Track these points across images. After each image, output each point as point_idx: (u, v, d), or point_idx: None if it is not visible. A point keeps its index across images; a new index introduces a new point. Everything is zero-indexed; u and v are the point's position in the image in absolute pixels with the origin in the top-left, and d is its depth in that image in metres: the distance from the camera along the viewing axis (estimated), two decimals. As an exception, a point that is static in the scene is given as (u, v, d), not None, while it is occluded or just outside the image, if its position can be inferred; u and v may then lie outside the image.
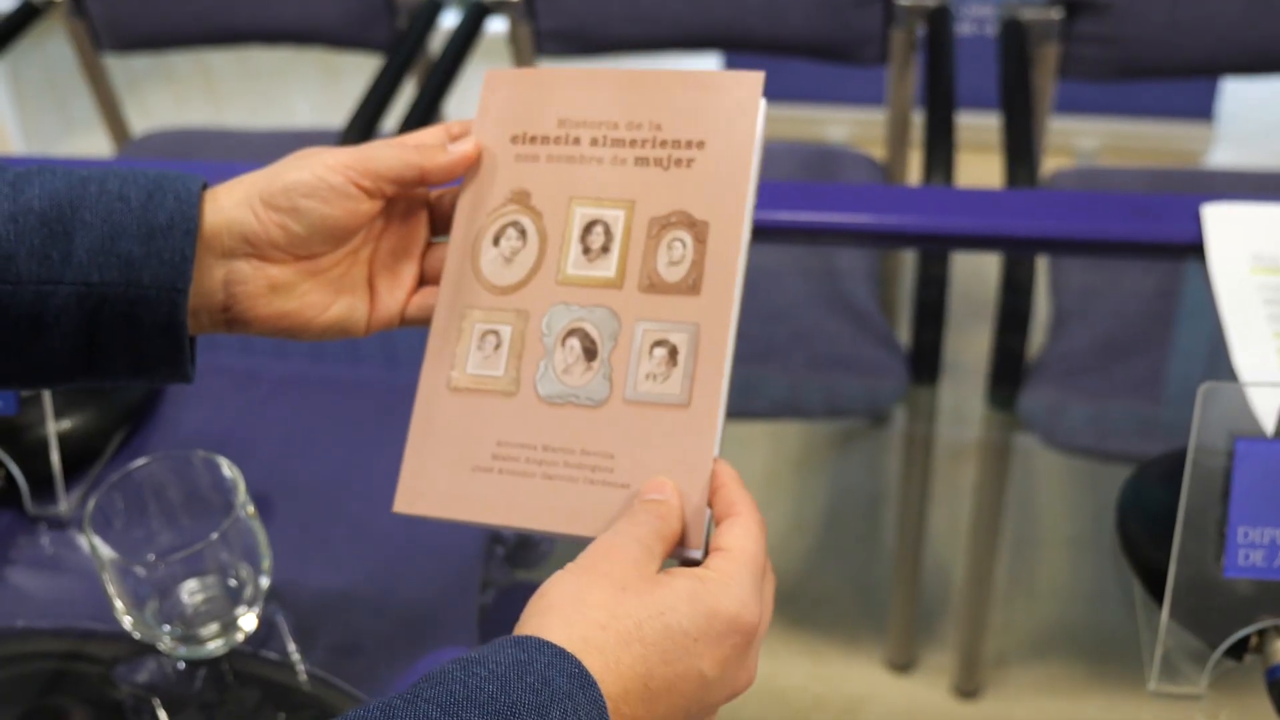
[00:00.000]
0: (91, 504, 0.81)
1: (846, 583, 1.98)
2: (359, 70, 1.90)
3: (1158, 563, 0.78)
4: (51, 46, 2.04)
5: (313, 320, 0.69)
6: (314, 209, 0.66)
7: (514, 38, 1.91)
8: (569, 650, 0.53)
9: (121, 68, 2.23)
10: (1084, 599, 1.85)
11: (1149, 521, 0.88)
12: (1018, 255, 1.33)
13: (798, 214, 1.15)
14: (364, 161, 0.67)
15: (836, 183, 1.85)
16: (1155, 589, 0.82)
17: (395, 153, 0.68)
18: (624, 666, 0.54)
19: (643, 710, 0.54)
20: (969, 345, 1.87)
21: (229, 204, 0.66)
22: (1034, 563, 1.91)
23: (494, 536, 0.99)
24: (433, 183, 0.70)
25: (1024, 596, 1.85)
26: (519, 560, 1.01)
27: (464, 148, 0.69)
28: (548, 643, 0.53)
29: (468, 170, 0.70)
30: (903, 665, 1.80)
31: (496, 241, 0.69)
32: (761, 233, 1.19)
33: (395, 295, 0.72)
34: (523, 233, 0.69)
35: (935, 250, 1.34)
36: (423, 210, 0.73)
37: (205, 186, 0.66)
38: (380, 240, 0.72)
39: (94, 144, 2.23)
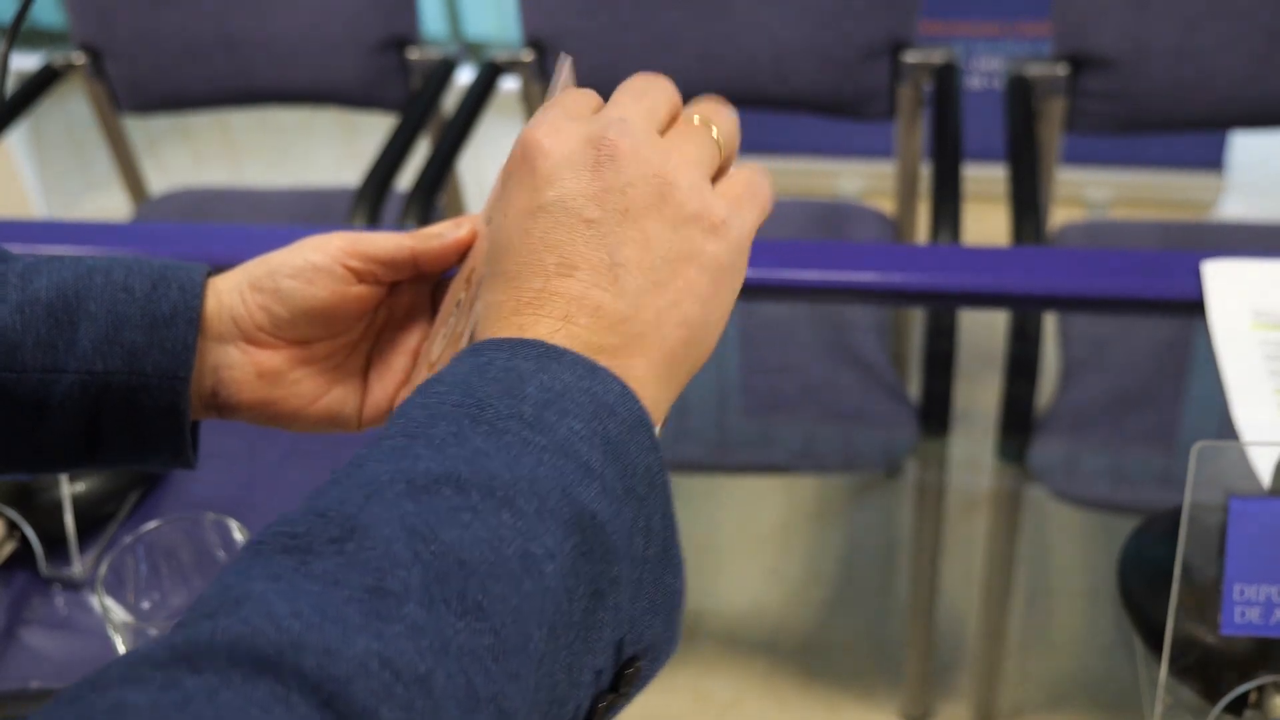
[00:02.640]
0: (104, 567, 0.82)
1: (862, 634, 1.99)
2: (379, 126, 1.92)
3: (1158, 619, 0.79)
4: (73, 105, 2.07)
5: (301, 410, 0.68)
6: (297, 290, 0.65)
7: (526, 96, 1.93)
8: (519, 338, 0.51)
9: (141, 126, 2.25)
10: (1096, 651, 1.86)
11: (1149, 577, 0.89)
12: (1024, 312, 1.34)
13: (805, 273, 1.16)
14: (355, 243, 0.66)
15: (845, 239, 1.86)
16: (1155, 644, 0.83)
17: (390, 236, 0.67)
18: (553, 304, 0.51)
19: (608, 299, 0.52)
20: (978, 395, 1.88)
21: (224, 289, 0.66)
22: (1047, 614, 1.92)
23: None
24: (428, 269, 0.67)
25: (1037, 648, 1.85)
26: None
27: (459, 233, 0.67)
28: (495, 340, 0.51)
29: (463, 257, 0.67)
30: (918, 717, 1.80)
31: (445, 321, 0.67)
32: (769, 291, 1.20)
33: (385, 386, 0.69)
34: (463, 310, 0.65)
35: (943, 308, 1.35)
36: (427, 304, 0.70)
37: (210, 274, 0.67)
38: (381, 333, 0.70)
39: (113, 203, 2.26)
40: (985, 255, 1.16)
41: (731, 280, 0.55)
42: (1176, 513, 0.74)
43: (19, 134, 3.02)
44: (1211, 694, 0.77)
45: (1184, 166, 2.81)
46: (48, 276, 0.65)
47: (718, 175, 0.57)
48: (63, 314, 0.64)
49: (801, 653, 1.91)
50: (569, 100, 0.57)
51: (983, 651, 1.70)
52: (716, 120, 0.57)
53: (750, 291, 0.64)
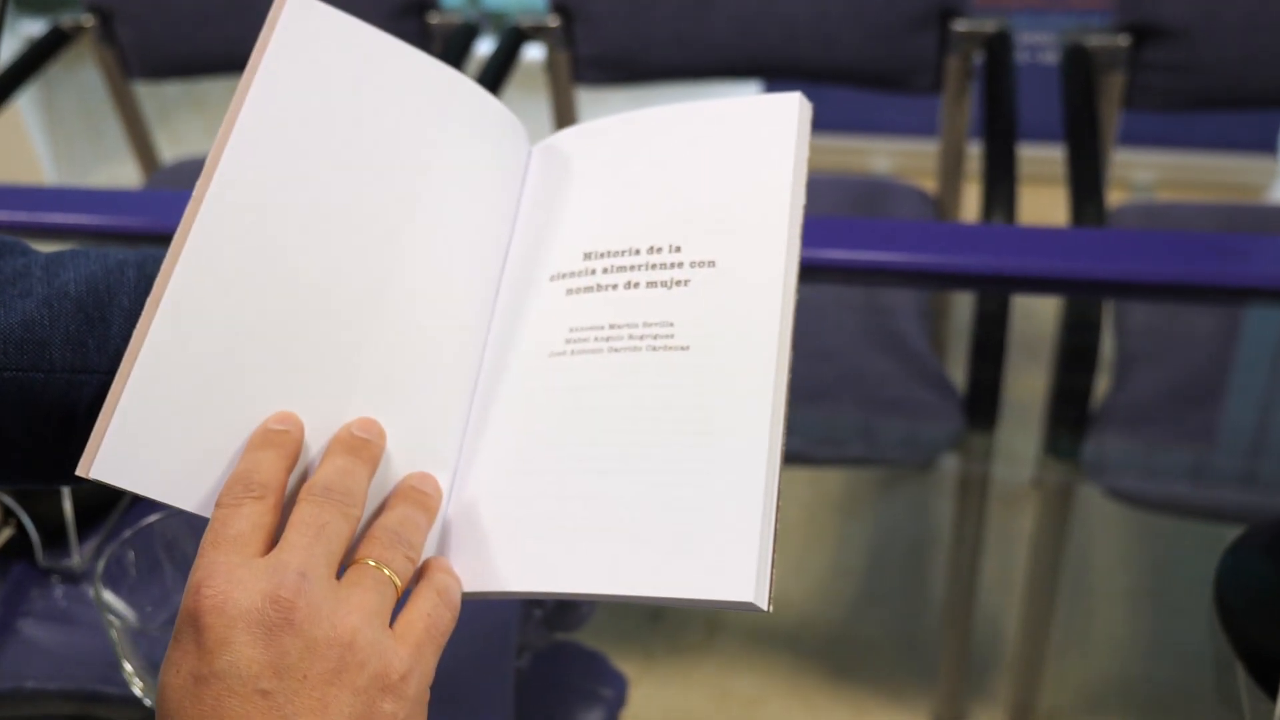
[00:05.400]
0: (102, 563, 0.75)
1: (892, 632, 1.91)
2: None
3: (1268, 646, 0.70)
4: (84, 73, 2.01)
5: None
6: None
7: (551, 65, 1.85)
8: None
9: (154, 95, 2.19)
10: (1142, 655, 1.78)
11: (1254, 595, 0.80)
12: (1090, 299, 1.25)
13: (851, 253, 1.08)
14: None
15: (890, 218, 1.78)
16: (1262, 673, 0.74)
17: None
18: None
19: None
20: (1022, 382, 1.80)
21: None
22: (1086, 615, 1.83)
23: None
24: None
25: (1076, 651, 1.77)
26: (557, 622, 0.95)
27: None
28: None
29: None
30: (950, 720, 1.72)
31: None
32: (811, 271, 1.12)
33: None
34: None
35: (998, 293, 1.27)
36: None
37: None
38: None
39: (125, 173, 2.19)
40: (1055, 236, 1.08)
41: None
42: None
43: (30, 102, 2.95)
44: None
45: (1235, 148, 2.72)
46: (74, 270, 0.61)
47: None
48: (94, 310, 0.60)
49: (828, 650, 1.84)
50: (240, 531, 0.53)
51: (1021, 654, 1.62)
52: (390, 563, 0.56)
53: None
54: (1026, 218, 1.53)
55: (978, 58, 1.69)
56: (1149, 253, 1.05)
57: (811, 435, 1.47)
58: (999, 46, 1.65)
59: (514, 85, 1.85)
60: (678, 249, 0.65)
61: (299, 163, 0.63)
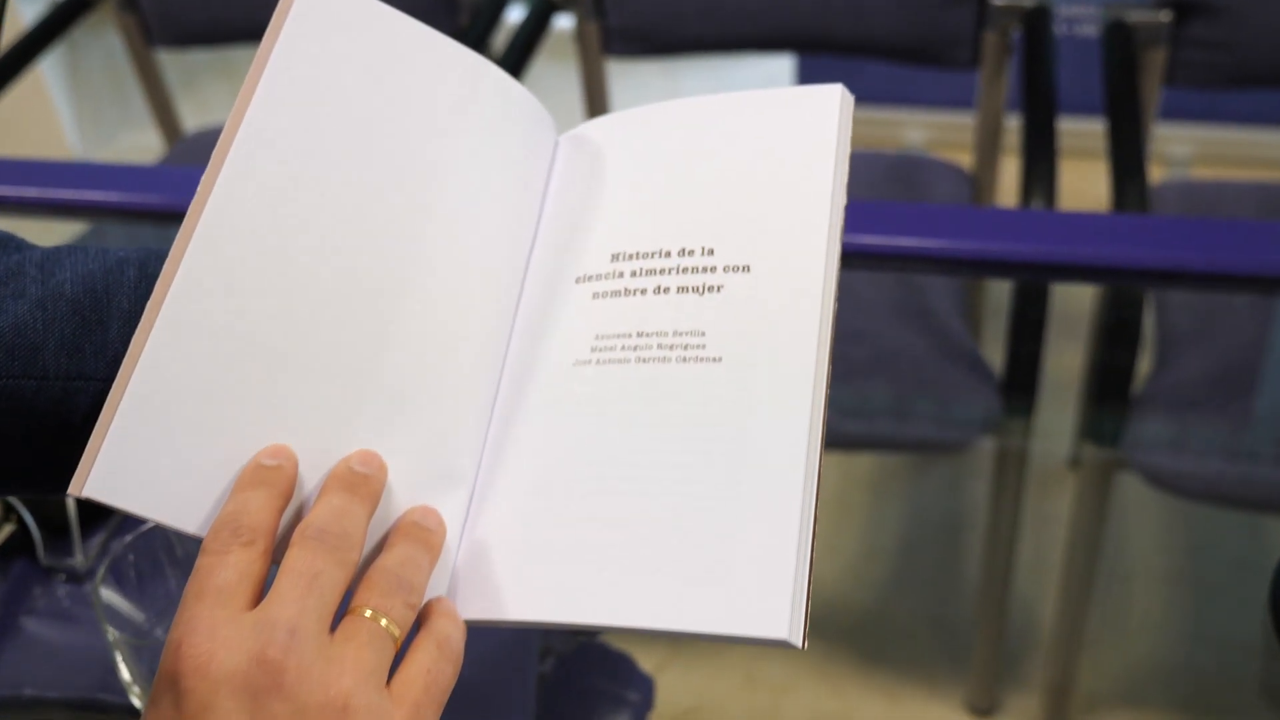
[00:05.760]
0: (103, 569, 0.73)
1: (924, 617, 1.88)
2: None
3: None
4: (110, 36, 1.98)
5: None
6: None
7: (581, 35, 1.81)
8: None
9: (180, 61, 2.16)
10: (1181, 642, 1.75)
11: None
12: (1137, 286, 1.21)
13: (885, 238, 1.05)
14: None
15: (921, 195, 1.74)
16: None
17: None
18: None
19: None
20: (1060, 359, 1.76)
21: None
22: (1124, 601, 1.80)
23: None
24: None
25: (1117, 637, 1.74)
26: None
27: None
28: None
29: None
30: (985, 709, 1.69)
31: None
32: (842, 257, 1.08)
33: None
34: None
35: (1037, 280, 1.23)
36: None
37: None
38: None
39: (149, 140, 2.17)
40: (1099, 223, 1.04)
41: None
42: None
43: (54, 67, 2.92)
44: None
45: (1273, 123, 2.66)
46: (71, 269, 0.57)
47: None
48: (91, 312, 0.56)
49: (858, 635, 1.81)
50: (226, 582, 0.49)
51: (1058, 640, 1.59)
52: (389, 612, 0.52)
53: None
54: (1066, 193, 1.49)
55: (1016, 32, 1.65)
56: (1192, 240, 1.02)
57: (843, 417, 1.44)
58: (1038, 21, 1.61)
59: (544, 54, 1.82)
60: (710, 252, 0.62)
61: (312, 157, 0.59)
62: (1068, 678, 1.61)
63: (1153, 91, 1.61)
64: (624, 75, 1.94)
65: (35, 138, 2.80)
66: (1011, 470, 1.47)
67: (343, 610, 0.52)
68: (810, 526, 0.54)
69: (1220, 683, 1.66)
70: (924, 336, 1.49)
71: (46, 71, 2.77)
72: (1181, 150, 2.70)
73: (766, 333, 0.59)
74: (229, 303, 0.55)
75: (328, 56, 0.61)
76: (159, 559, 0.78)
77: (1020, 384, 1.39)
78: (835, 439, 1.45)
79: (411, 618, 0.53)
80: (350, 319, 0.58)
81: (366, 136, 0.61)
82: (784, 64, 2.82)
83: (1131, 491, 1.83)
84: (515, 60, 1.73)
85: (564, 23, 1.84)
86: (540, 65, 1.82)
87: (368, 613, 0.51)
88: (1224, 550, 1.85)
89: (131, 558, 0.76)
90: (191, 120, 2.13)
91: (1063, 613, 1.56)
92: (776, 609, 0.52)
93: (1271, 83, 1.60)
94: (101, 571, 0.73)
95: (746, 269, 0.61)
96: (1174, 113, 2.64)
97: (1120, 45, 1.57)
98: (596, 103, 1.86)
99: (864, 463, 2.07)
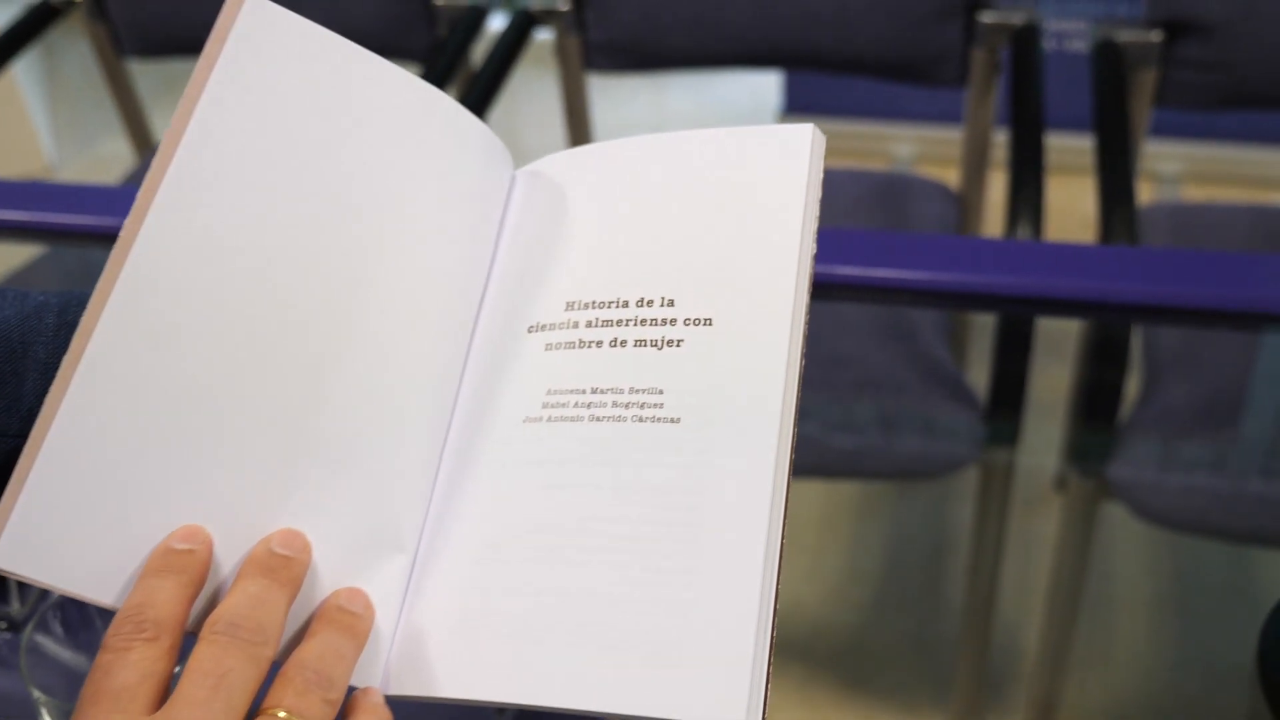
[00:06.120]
0: (29, 629, 0.68)
1: (906, 641, 1.85)
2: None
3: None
4: (86, 44, 1.94)
5: None
6: None
7: (561, 49, 1.78)
8: None
9: (156, 69, 2.12)
10: (1166, 670, 1.72)
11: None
12: (1126, 322, 1.18)
13: (866, 269, 1.01)
14: None
15: (906, 215, 1.71)
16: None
17: None
18: None
19: None
20: (1046, 380, 1.73)
21: None
22: (1107, 628, 1.78)
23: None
24: None
25: (1101, 664, 1.71)
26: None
27: None
28: None
29: None
30: (967, 734, 1.66)
31: None
32: (818, 288, 1.05)
33: None
34: None
35: (1021, 314, 1.20)
36: None
37: None
38: None
39: (126, 150, 2.13)
40: (1084, 256, 1.01)
41: None
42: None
43: (30, 75, 2.88)
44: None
45: (1264, 141, 2.64)
46: None
47: None
48: (5, 363, 0.53)
49: (840, 659, 1.78)
50: (125, 683, 0.45)
51: (1042, 667, 1.56)
52: (304, 712, 0.48)
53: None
54: (1054, 210, 1.46)
55: (1004, 49, 1.62)
56: (1181, 275, 0.99)
57: (824, 445, 1.41)
58: (1027, 40, 1.58)
59: (525, 64, 1.78)
60: (671, 303, 0.58)
61: (249, 195, 0.55)
62: (1051, 703, 1.59)
63: (1143, 112, 1.58)
64: (607, 89, 1.91)
65: (9, 145, 2.76)
66: (996, 494, 1.44)
67: (256, 708, 0.48)
68: (771, 604, 0.51)
69: (1205, 712, 1.64)
70: (907, 362, 1.46)
71: (21, 77, 2.73)
72: (1172, 168, 2.67)
73: (728, 392, 0.55)
74: (154, 356, 0.51)
75: (269, 85, 0.57)
76: (91, 616, 0.74)
77: (1004, 412, 1.36)
78: (816, 467, 1.42)
79: (331, 715, 0.49)
80: (285, 371, 0.54)
81: (308, 172, 0.57)
82: (771, 77, 2.79)
83: (1118, 517, 1.80)
84: (494, 72, 1.70)
85: (546, 33, 1.81)
86: (522, 77, 1.79)
87: (281, 714, 0.47)
88: (1210, 576, 1.83)
89: (62, 611, 0.72)
90: (165, 130, 2.09)
91: (1047, 638, 1.54)
92: (733, 696, 0.49)
93: (1264, 104, 1.57)
94: (28, 633, 0.69)
95: (709, 322, 0.57)
96: (1165, 129, 2.61)
97: (1110, 65, 1.53)
98: (577, 118, 1.82)
99: (846, 487, 2.04)
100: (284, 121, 0.57)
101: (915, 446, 1.41)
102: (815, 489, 2.02)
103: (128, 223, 0.52)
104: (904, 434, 1.42)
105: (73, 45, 2.56)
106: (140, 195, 0.53)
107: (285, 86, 0.58)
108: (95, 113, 3.18)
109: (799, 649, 1.78)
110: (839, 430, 1.42)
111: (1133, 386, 1.41)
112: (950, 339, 1.57)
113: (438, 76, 1.70)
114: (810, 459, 1.40)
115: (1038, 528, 1.84)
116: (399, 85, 0.62)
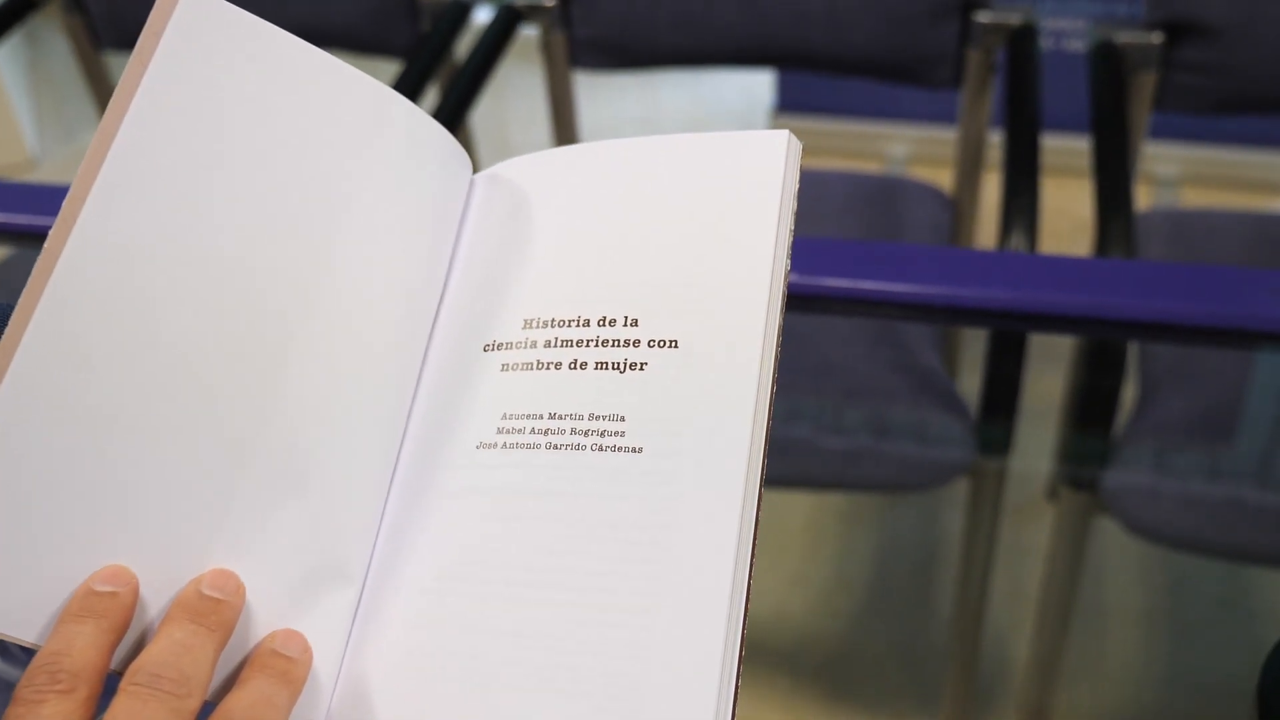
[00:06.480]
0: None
1: (894, 651, 1.82)
2: (384, 72, 1.73)
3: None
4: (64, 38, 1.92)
5: None
6: None
7: (546, 47, 1.74)
8: None
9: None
10: (1157, 683, 1.69)
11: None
12: (1121, 338, 1.15)
13: (853, 281, 0.98)
14: None
15: (903, 220, 1.67)
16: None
17: None
18: None
19: None
20: (1039, 385, 1.70)
21: None
22: (1099, 640, 1.75)
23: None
24: None
25: (1091, 676, 1.69)
26: None
27: None
28: None
29: None
30: (957, 746, 1.64)
31: None
32: (805, 301, 1.02)
33: None
34: None
35: (1013, 329, 1.17)
36: None
37: None
38: None
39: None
40: (1079, 269, 0.98)
41: None
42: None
43: (12, 66, 2.84)
44: None
45: (1263, 144, 2.61)
46: None
47: None
48: None
49: (826, 669, 1.75)
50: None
51: (1032, 678, 1.54)
52: None
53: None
54: (1050, 212, 1.43)
55: (1000, 50, 1.58)
56: (1178, 291, 0.95)
57: (811, 455, 1.38)
58: (1024, 41, 1.54)
59: (510, 62, 1.74)
60: (635, 323, 0.55)
61: (184, 204, 0.52)
62: (1041, 714, 1.56)
63: (1141, 115, 1.54)
64: (597, 85, 1.87)
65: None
66: (987, 504, 1.41)
67: None
68: (737, 648, 0.47)
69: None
70: (897, 370, 1.42)
71: (2, 68, 2.69)
72: (1170, 170, 2.64)
73: (694, 421, 0.51)
74: (78, 378, 0.48)
75: (208, 84, 0.54)
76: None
77: (996, 421, 1.33)
78: (803, 478, 1.38)
79: None
80: (223, 392, 0.51)
81: (250, 177, 0.54)
82: (764, 75, 2.76)
83: (1110, 530, 1.77)
84: (478, 68, 1.66)
85: (532, 30, 1.77)
86: (506, 73, 1.75)
87: None
88: (1202, 590, 1.80)
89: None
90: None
91: (1037, 650, 1.51)
92: None
93: (1265, 109, 1.53)
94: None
95: (674, 344, 0.53)
96: (1164, 131, 2.58)
97: (1108, 68, 1.50)
98: (564, 116, 1.78)
99: (834, 495, 2.01)
100: (224, 123, 0.54)
101: (905, 456, 1.38)
102: (801, 499, 1.99)
103: (52, 234, 0.49)
104: (894, 444, 1.39)
105: (54, 36, 2.52)
106: (66, 204, 0.49)
107: (225, 86, 0.54)
108: (78, 105, 3.15)
109: (785, 659, 1.75)
110: (827, 439, 1.39)
111: (1128, 396, 1.38)
112: (941, 346, 1.54)
113: (420, 73, 1.66)
114: (798, 469, 1.37)
115: (1029, 538, 1.81)
116: (348, 84, 0.58)
